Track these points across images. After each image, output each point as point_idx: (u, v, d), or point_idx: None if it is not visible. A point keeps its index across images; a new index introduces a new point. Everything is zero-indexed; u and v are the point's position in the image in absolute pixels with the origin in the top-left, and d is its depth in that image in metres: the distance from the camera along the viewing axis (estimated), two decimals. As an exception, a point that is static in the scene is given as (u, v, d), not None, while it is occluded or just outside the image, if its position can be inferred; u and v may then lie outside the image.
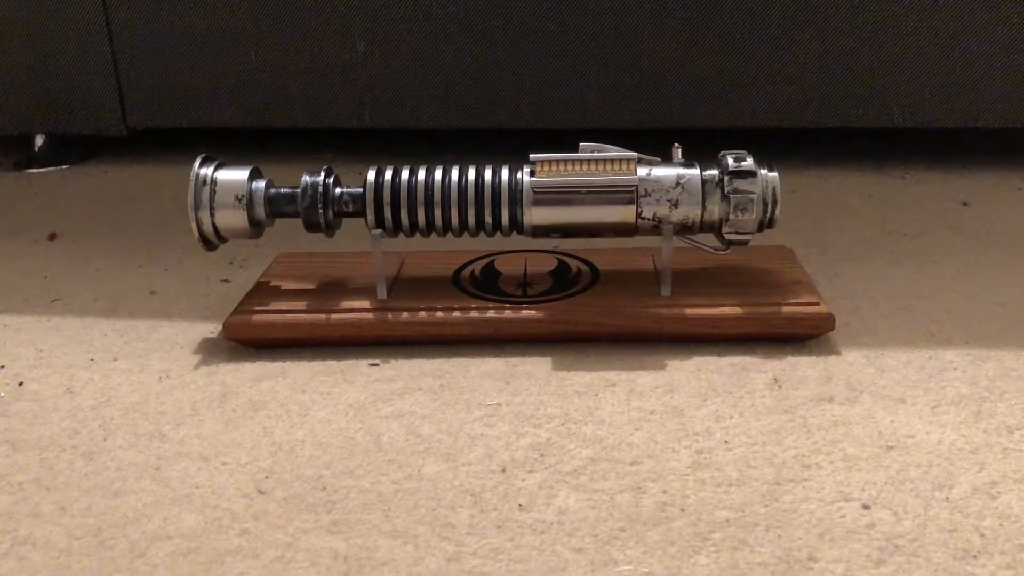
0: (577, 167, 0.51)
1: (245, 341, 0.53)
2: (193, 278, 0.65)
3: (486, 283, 0.56)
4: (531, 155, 0.52)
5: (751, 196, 0.51)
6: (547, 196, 0.51)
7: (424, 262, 0.59)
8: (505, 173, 0.53)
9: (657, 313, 0.52)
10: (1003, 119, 0.82)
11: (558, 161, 0.51)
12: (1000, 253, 0.65)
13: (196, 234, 0.54)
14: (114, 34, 0.89)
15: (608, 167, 0.51)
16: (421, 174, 0.53)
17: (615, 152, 0.52)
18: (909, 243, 0.68)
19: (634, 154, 0.52)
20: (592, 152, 0.52)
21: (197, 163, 0.53)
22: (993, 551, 0.35)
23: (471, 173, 0.53)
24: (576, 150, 0.52)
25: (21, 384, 0.51)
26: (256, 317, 0.53)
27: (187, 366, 0.52)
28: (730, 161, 0.51)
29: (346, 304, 0.54)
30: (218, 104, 0.90)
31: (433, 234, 0.54)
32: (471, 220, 0.53)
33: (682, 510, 0.38)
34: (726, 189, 0.51)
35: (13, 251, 0.72)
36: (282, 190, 0.54)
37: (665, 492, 0.39)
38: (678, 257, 0.54)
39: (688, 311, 0.52)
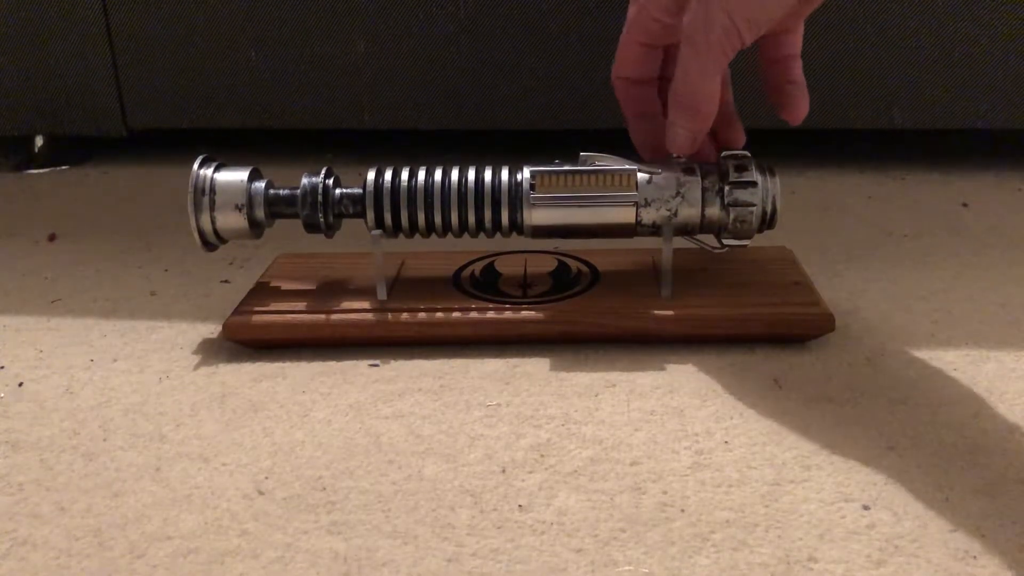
0: (576, 181, 0.51)
1: (245, 342, 0.53)
2: (193, 278, 0.65)
3: (486, 284, 0.56)
4: (530, 168, 0.52)
5: (751, 208, 0.51)
6: (546, 208, 0.51)
7: (424, 263, 0.59)
8: (505, 174, 0.53)
9: (657, 314, 0.52)
10: (1003, 119, 0.82)
11: (557, 174, 0.51)
12: (1000, 253, 0.65)
13: (196, 235, 0.54)
14: (114, 34, 0.89)
15: (607, 180, 0.51)
16: (421, 175, 0.53)
17: (615, 165, 0.51)
18: (909, 243, 0.68)
19: (634, 166, 0.52)
20: (592, 164, 0.51)
21: (197, 164, 0.53)
22: (993, 551, 0.35)
23: (471, 174, 0.53)
24: (576, 151, 0.52)
25: (21, 385, 0.51)
26: (256, 318, 0.53)
27: (187, 367, 0.52)
28: (731, 170, 0.51)
29: (346, 305, 0.54)
30: (218, 104, 0.90)
31: (433, 235, 0.54)
32: (471, 220, 0.53)
33: (682, 510, 0.38)
34: (726, 199, 0.51)
35: (13, 251, 0.72)
36: (282, 191, 0.54)
37: (665, 492, 0.39)
38: (678, 257, 0.54)
39: (688, 312, 0.52)
